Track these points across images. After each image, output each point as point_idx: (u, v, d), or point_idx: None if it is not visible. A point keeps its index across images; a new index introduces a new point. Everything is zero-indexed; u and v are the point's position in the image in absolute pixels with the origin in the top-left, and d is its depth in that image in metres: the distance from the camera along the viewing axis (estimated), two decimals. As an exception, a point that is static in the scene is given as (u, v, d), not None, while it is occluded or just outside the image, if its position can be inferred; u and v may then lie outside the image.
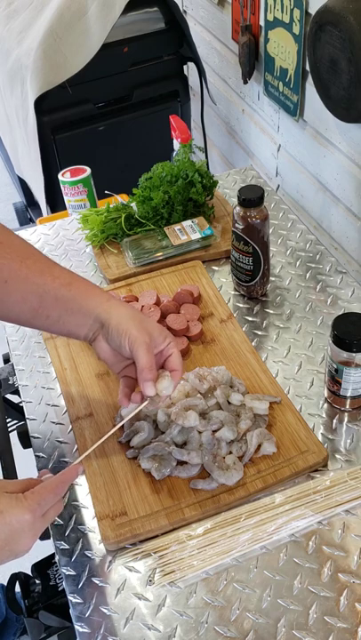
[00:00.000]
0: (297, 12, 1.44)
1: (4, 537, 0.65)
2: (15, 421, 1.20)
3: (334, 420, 0.97)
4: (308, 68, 1.37)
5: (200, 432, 0.91)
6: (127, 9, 1.80)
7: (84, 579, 0.81)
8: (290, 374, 1.04)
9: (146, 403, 0.86)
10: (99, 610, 0.78)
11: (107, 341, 0.86)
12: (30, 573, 1.05)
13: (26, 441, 1.03)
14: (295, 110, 1.58)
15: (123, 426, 0.95)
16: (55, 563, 1.02)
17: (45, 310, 0.84)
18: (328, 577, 0.79)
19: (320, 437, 0.94)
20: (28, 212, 2.57)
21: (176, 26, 1.96)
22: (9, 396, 1.20)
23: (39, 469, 0.93)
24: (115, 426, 0.86)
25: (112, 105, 2.01)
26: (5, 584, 1.09)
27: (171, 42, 1.99)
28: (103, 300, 0.86)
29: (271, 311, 1.16)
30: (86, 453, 0.82)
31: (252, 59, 1.73)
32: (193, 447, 0.89)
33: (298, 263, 1.26)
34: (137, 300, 1.15)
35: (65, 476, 0.73)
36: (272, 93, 1.69)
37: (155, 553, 0.82)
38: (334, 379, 0.94)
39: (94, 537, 0.85)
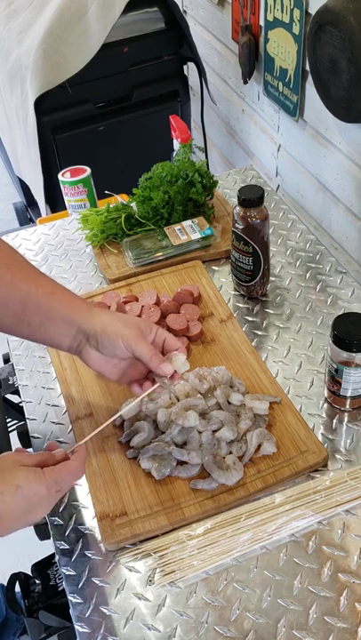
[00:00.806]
0: (297, 12, 1.44)
1: (21, 510, 0.68)
2: (15, 421, 1.20)
3: (334, 420, 0.97)
4: (308, 67, 1.37)
5: (200, 432, 0.91)
6: (127, 9, 1.80)
7: (84, 579, 0.81)
8: (290, 374, 1.04)
9: (157, 385, 0.88)
10: (99, 610, 0.78)
11: (97, 350, 0.86)
12: (30, 573, 1.05)
13: (26, 441, 1.03)
14: (295, 110, 1.58)
15: (123, 426, 0.95)
16: (55, 563, 1.03)
17: (27, 317, 0.84)
18: (328, 577, 0.79)
19: (320, 437, 0.94)
20: (28, 212, 2.57)
21: (176, 26, 1.96)
22: (9, 396, 1.20)
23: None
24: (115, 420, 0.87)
25: (112, 105, 2.01)
26: (5, 584, 1.09)
27: (171, 42, 1.99)
28: (84, 310, 0.86)
29: (271, 311, 1.16)
30: (94, 433, 0.83)
31: (252, 59, 1.73)
32: (193, 447, 0.89)
33: (298, 263, 1.26)
34: (137, 300, 1.15)
35: (81, 457, 0.77)
36: (272, 93, 1.69)
37: (155, 553, 0.82)
38: (334, 379, 0.94)
39: (94, 537, 0.85)
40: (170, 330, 1.07)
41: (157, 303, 1.13)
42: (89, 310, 0.86)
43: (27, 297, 0.83)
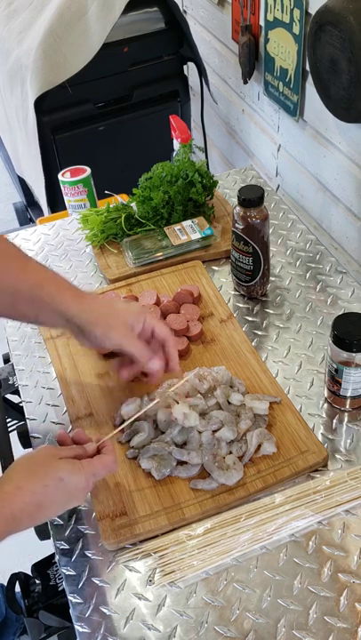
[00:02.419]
0: (297, 12, 1.44)
1: (62, 500, 0.73)
2: (15, 421, 1.20)
3: (334, 420, 0.97)
4: (308, 67, 1.37)
5: (200, 432, 0.91)
6: (127, 9, 1.80)
7: (84, 579, 0.81)
8: (290, 374, 1.04)
9: (155, 403, 0.90)
10: (99, 610, 0.78)
11: (88, 340, 0.89)
12: (30, 573, 1.05)
13: (26, 441, 1.03)
14: (295, 110, 1.58)
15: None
16: (55, 563, 1.03)
17: (21, 309, 0.86)
18: (328, 577, 0.79)
19: (320, 437, 0.94)
20: (28, 211, 2.57)
21: (176, 26, 1.95)
22: (9, 396, 1.20)
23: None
24: (119, 425, 0.87)
25: (112, 105, 2.01)
26: (5, 584, 1.09)
27: (171, 42, 1.99)
28: (74, 304, 0.86)
29: (271, 311, 1.16)
30: (115, 432, 0.86)
31: (252, 59, 1.73)
32: (193, 447, 0.89)
33: (298, 263, 1.26)
34: (137, 300, 1.15)
35: (112, 451, 0.81)
36: (272, 93, 1.69)
37: (155, 553, 0.82)
38: (334, 379, 0.94)
39: (94, 537, 0.85)
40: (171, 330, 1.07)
41: (157, 303, 1.13)
42: (78, 302, 0.87)
43: (15, 291, 0.84)
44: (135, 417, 0.91)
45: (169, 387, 0.95)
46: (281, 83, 1.62)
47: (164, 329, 0.91)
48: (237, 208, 1.09)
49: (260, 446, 0.90)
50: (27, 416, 1.03)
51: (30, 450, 0.97)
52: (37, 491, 0.69)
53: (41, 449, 0.75)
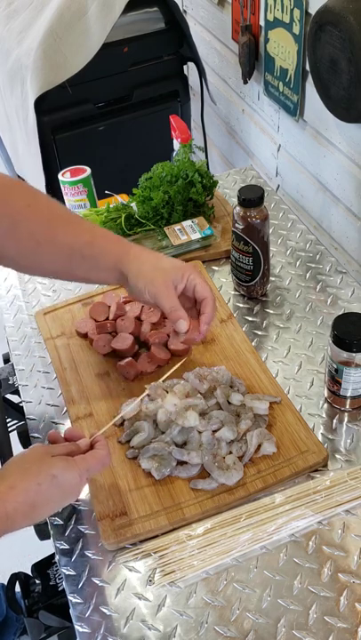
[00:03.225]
0: (297, 12, 1.44)
1: (56, 498, 0.73)
2: (15, 421, 1.20)
3: (334, 420, 0.97)
4: (308, 67, 1.37)
5: (200, 432, 0.91)
6: (127, 9, 1.79)
7: (84, 579, 0.81)
8: (290, 374, 1.04)
9: (145, 393, 0.91)
10: (99, 610, 0.78)
11: (132, 292, 0.92)
12: (30, 573, 1.05)
13: (26, 441, 1.03)
14: (295, 110, 1.58)
15: (123, 426, 0.95)
16: (55, 563, 1.03)
17: (75, 268, 0.90)
18: (328, 577, 0.79)
19: (320, 437, 0.94)
20: (28, 211, 2.56)
21: (176, 26, 1.95)
22: (9, 396, 1.20)
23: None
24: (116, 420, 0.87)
25: (112, 105, 2.00)
26: (5, 584, 1.09)
27: (171, 42, 1.99)
28: (122, 255, 0.90)
29: (271, 311, 1.16)
30: (107, 426, 0.85)
31: (252, 59, 1.73)
32: (193, 447, 0.89)
33: (298, 263, 1.26)
34: (137, 299, 1.15)
35: (106, 446, 0.80)
36: (272, 93, 1.69)
37: (155, 553, 0.82)
38: (334, 379, 0.94)
39: (94, 537, 0.85)
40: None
41: (157, 303, 1.12)
42: (127, 253, 0.91)
43: (70, 250, 0.88)
44: (132, 413, 0.91)
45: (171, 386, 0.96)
46: (281, 83, 1.62)
47: (206, 288, 0.91)
48: (237, 208, 1.09)
49: (260, 446, 0.90)
50: (27, 416, 1.03)
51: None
52: (31, 489, 0.69)
53: (33, 448, 0.75)
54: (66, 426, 1.00)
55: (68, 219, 0.91)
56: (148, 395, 0.94)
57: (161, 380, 0.93)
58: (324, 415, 0.98)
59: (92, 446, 0.80)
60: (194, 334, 0.90)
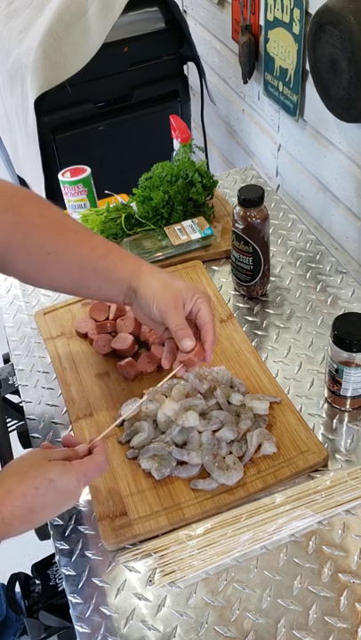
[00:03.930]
0: (297, 12, 1.44)
1: (54, 502, 0.72)
2: (15, 421, 1.20)
3: (334, 420, 0.97)
4: (308, 67, 1.37)
5: (200, 432, 0.91)
6: (127, 9, 1.79)
7: (84, 579, 0.81)
8: (290, 374, 1.04)
9: (145, 398, 0.89)
10: (99, 610, 0.78)
11: (139, 307, 0.90)
12: (30, 573, 1.05)
13: (26, 441, 1.03)
14: (295, 110, 1.58)
15: (123, 426, 0.95)
16: (55, 563, 1.02)
17: (86, 281, 0.89)
18: (328, 577, 0.79)
19: (320, 437, 0.94)
20: (28, 211, 2.56)
21: (176, 26, 1.95)
22: (9, 396, 1.20)
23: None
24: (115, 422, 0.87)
25: (112, 105, 2.00)
26: (5, 584, 1.09)
27: (171, 42, 1.99)
28: (135, 269, 0.89)
29: (271, 311, 1.16)
30: (107, 431, 0.84)
31: (253, 58, 1.73)
32: (193, 447, 0.89)
33: (298, 263, 1.26)
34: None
35: (104, 451, 0.80)
36: (272, 93, 1.69)
37: (155, 553, 0.82)
38: (334, 379, 0.94)
39: (94, 537, 0.85)
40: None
41: (157, 303, 1.12)
42: (140, 268, 0.89)
43: (82, 262, 0.87)
44: (130, 415, 0.91)
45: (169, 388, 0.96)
46: (281, 83, 1.62)
47: (210, 314, 0.89)
48: (237, 208, 1.09)
49: (260, 446, 0.90)
50: (27, 416, 1.03)
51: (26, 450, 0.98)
52: (28, 493, 0.69)
53: (30, 452, 0.75)
54: (66, 426, 1.00)
55: (80, 231, 0.90)
56: (145, 398, 0.93)
57: (158, 386, 0.92)
58: (324, 415, 0.98)
59: (90, 452, 0.80)
60: (196, 357, 0.88)
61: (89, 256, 0.87)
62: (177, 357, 0.88)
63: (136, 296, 0.88)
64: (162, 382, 0.89)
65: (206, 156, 2.14)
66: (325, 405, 0.99)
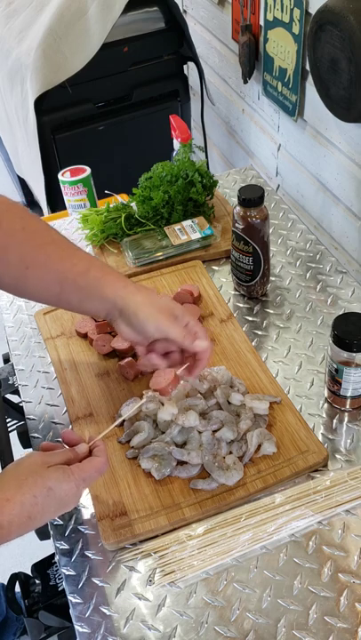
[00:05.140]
0: (297, 12, 1.44)
1: (53, 509, 0.72)
2: (15, 421, 1.20)
3: (334, 420, 0.97)
4: (308, 67, 1.37)
5: (200, 432, 0.91)
6: (127, 8, 1.80)
7: (84, 579, 0.81)
8: (290, 374, 1.04)
9: (143, 401, 0.90)
10: (99, 610, 0.78)
11: (127, 324, 0.87)
12: (30, 573, 1.05)
13: (26, 441, 1.03)
14: (293, 110, 1.58)
15: (123, 426, 0.95)
16: (55, 563, 1.02)
17: (66, 296, 0.87)
18: (328, 577, 0.79)
19: (320, 437, 0.94)
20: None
21: (176, 25, 1.95)
22: (9, 396, 1.20)
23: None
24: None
25: (112, 105, 2.01)
26: (5, 584, 1.09)
27: (171, 41, 1.99)
28: (120, 287, 0.87)
29: (271, 311, 1.16)
30: (106, 431, 0.83)
31: (253, 58, 1.73)
32: (193, 447, 0.89)
33: (298, 263, 1.26)
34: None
35: (104, 452, 0.79)
36: (271, 93, 1.69)
37: (155, 553, 0.82)
38: (334, 379, 0.94)
39: (94, 537, 0.85)
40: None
41: (157, 303, 1.12)
42: (124, 287, 0.87)
43: (63, 277, 0.85)
44: (129, 415, 0.91)
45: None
46: (280, 83, 1.62)
47: (204, 338, 0.88)
48: (237, 208, 1.09)
49: (260, 446, 0.90)
50: (27, 416, 1.03)
51: (27, 450, 0.97)
52: (27, 502, 0.69)
53: (29, 456, 0.74)
54: (66, 426, 1.00)
55: (63, 246, 0.88)
56: (143, 400, 0.93)
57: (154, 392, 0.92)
58: (324, 415, 0.98)
59: (90, 451, 0.79)
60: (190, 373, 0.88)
61: (70, 272, 0.85)
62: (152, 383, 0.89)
63: (123, 315, 0.86)
64: (136, 406, 0.90)
65: (206, 156, 2.14)
66: (325, 405, 0.99)
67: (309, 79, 1.41)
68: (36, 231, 0.87)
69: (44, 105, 1.84)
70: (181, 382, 0.96)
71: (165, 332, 0.85)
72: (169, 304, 0.88)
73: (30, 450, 0.99)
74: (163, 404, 0.93)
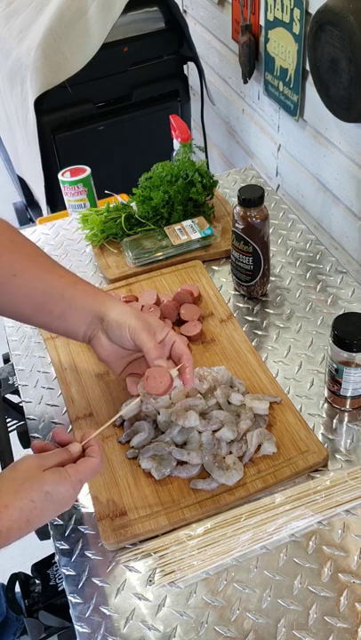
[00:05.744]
0: (297, 12, 1.44)
1: (52, 512, 0.73)
2: (15, 421, 1.20)
3: (334, 420, 0.97)
4: (308, 67, 1.37)
5: (200, 432, 0.91)
6: (127, 8, 1.80)
7: (84, 579, 0.81)
8: (290, 374, 1.04)
9: (137, 399, 0.89)
10: (99, 610, 0.78)
11: (107, 335, 0.89)
12: (30, 573, 1.05)
13: (26, 441, 1.03)
14: (295, 110, 1.58)
15: (123, 426, 0.95)
16: (55, 563, 1.03)
17: (49, 306, 0.88)
18: (328, 577, 0.79)
19: (320, 437, 0.94)
20: (28, 211, 2.57)
21: (176, 25, 1.96)
22: (9, 396, 1.20)
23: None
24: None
25: (112, 105, 2.01)
26: (5, 584, 1.09)
27: (171, 41, 1.99)
28: (105, 300, 0.90)
29: (271, 311, 1.16)
30: (101, 429, 0.83)
31: (253, 58, 1.73)
32: (193, 447, 0.89)
33: (298, 263, 1.26)
34: (137, 299, 1.15)
35: (99, 452, 0.78)
36: (272, 93, 1.69)
37: (155, 553, 0.82)
38: (334, 379, 0.94)
39: (94, 537, 0.85)
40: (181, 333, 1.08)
41: (157, 303, 1.13)
42: (109, 299, 0.90)
43: (50, 286, 0.87)
44: (127, 414, 0.91)
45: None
46: (281, 82, 1.62)
47: (183, 345, 0.90)
48: (237, 208, 1.09)
49: (260, 446, 0.90)
50: (27, 416, 1.03)
51: (27, 450, 0.97)
52: (25, 507, 0.69)
53: (24, 461, 0.74)
54: (66, 426, 1.00)
55: (49, 260, 0.91)
56: (137, 399, 0.92)
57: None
58: (324, 415, 0.98)
59: (84, 450, 0.79)
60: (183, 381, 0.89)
61: (57, 282, 0.88)
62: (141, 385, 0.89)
63: (106, 322, 0.88)
64: (131, 404, 0.90)
65: (206, 156, 2.14)
66: (325, 405, 0.99)
67: (309, 79, 1.41)
68: (24, 244, 0.89)
69: (43, 105, 1.84)
70: (176, 385, 0.96)
71: (136, 338, 0.86)
72: (149, 318, 0.90)
73: (29, 450, 0.99)
74: (159, 413, 0.93)
